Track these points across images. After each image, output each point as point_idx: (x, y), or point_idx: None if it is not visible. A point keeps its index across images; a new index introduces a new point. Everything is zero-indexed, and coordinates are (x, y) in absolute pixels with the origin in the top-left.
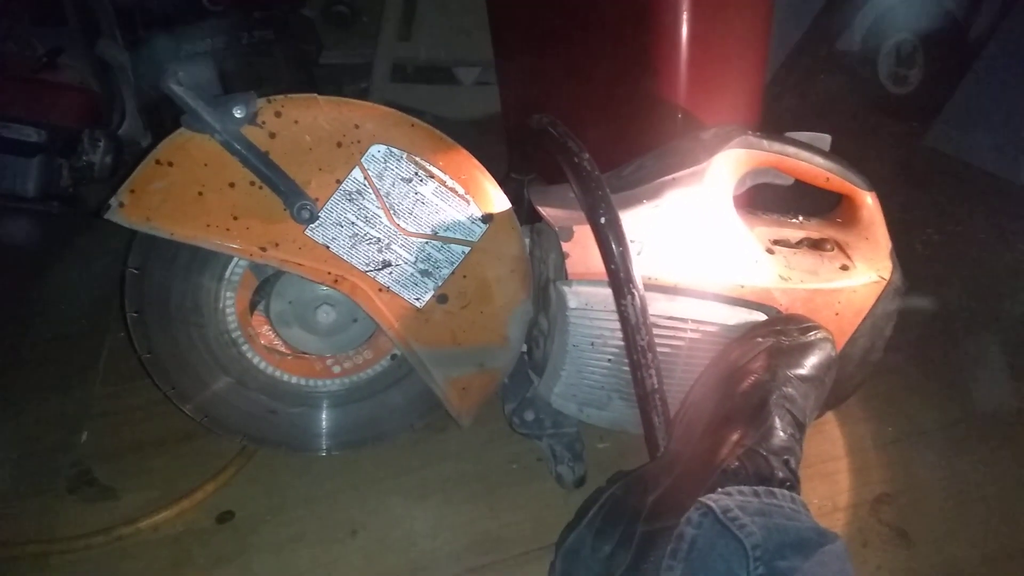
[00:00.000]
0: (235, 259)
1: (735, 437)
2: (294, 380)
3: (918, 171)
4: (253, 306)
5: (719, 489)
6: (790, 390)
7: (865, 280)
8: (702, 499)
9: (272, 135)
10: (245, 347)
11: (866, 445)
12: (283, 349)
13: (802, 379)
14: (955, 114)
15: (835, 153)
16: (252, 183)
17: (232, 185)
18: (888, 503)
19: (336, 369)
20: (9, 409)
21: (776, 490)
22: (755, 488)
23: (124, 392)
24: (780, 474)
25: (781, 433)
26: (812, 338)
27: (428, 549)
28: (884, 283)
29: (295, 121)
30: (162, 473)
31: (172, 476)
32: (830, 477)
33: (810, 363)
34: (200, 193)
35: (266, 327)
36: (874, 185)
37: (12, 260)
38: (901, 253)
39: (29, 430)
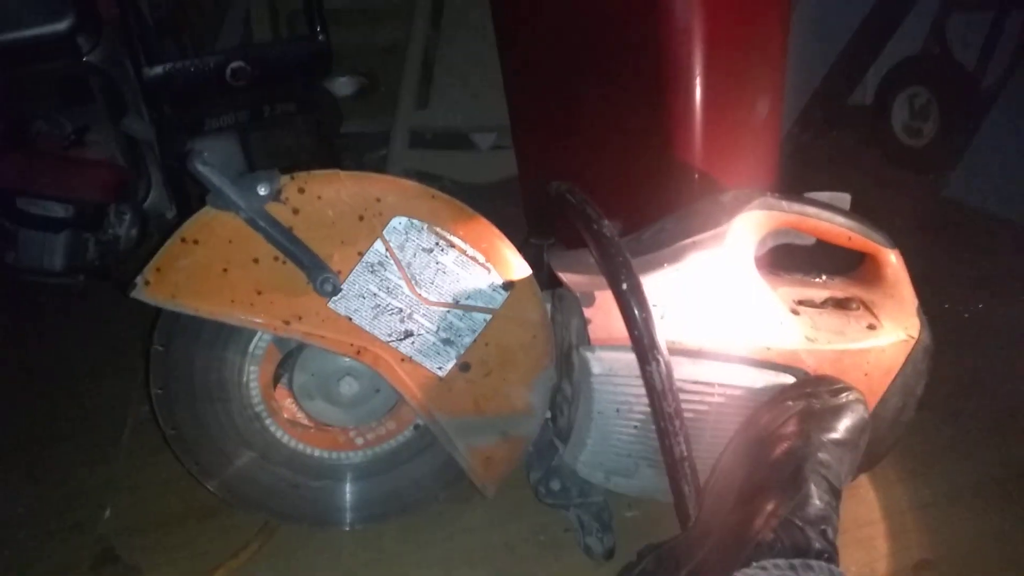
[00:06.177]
0: (259, 333)
1: (769, 507)
2: (317, 453)
3: (939, 224)
4: (276, 379)
5: (754, 563)
6: (824, 455)
7: (893, 339)
8: (737, 574)
9: (295, 211)
10: (268, 421)
11: (903, 508)
12: (306, 422)
13: (836, 443)
14: (972, 164)
15: (855, 210)
16: (276, 258)
17: (256, 261)
18: (929, 569)
19: (359, 441)
20: (33, 483)
21: (813, 562)
22: (791, 561)
23: (147, 467)
24: (817, 545)
25: (817, 501)
26: (844, 400)
27: None
28: (913, 341)
29: (318, 196)
30: (185, 550)
31: (195, 553)
32: (867, 543)
33: (843, 426)
34: (225, 270)
35: (289, 400)
36: (896, 240)
37: (38, 334)
38: (927, 309)
39: (53, 505)
